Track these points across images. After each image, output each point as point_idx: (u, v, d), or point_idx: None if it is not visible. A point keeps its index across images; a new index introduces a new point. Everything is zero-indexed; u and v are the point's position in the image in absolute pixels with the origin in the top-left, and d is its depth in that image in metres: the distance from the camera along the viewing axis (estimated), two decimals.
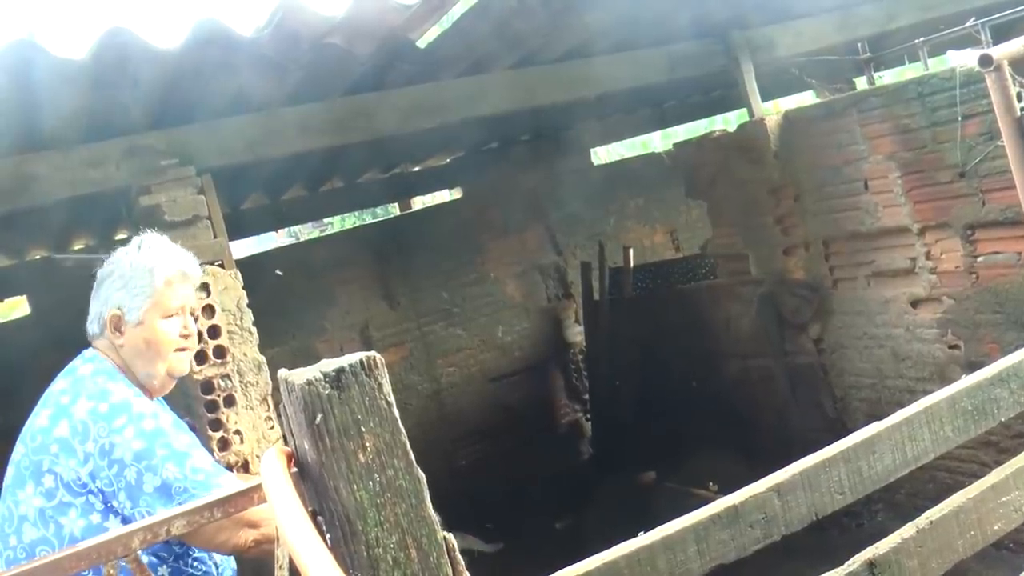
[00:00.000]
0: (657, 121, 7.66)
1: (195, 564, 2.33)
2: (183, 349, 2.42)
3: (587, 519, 5.79)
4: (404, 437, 1.52)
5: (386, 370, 1.53)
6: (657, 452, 6.14)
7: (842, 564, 2.05)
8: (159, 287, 2.37)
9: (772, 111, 5.02)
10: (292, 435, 1.55)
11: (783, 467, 2.02)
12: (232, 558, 2.49)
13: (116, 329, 2.39)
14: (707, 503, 1.95)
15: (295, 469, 1.53)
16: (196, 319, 3.05)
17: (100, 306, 2.42)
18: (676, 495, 5.81)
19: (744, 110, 4.95)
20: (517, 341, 7.08)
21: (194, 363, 3.23)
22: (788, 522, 2.00)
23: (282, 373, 1.53)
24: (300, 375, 1.49)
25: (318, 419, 1.45)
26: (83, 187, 3.38)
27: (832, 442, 2.12)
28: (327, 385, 1.47)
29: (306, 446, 1.49)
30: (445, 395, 6.56)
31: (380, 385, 1.51)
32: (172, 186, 3.44)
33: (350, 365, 1.49)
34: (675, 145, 5.86)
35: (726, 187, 5.25)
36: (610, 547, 1.80)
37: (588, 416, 7.17)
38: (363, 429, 1.49)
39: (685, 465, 5.91)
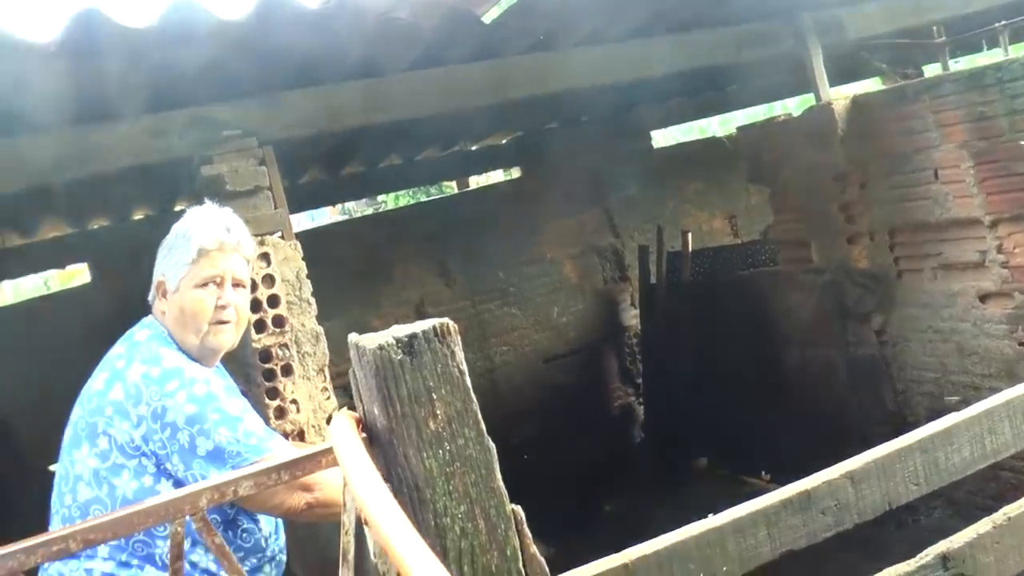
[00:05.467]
0: (718, 105, 7.54)
1: (244, 535, 2.32)
2: (221, 322, 2.38)
3: (637, 503, 5.76)
4: (475, 406, 1.49)
5: (459, 338, 1.50)
6: (710, 439, 6.09)
7: (896, 559, 1.99)
8: (193, 256, 2.35)
9: (839, 96, 4.88)
10: (361, 400, 1.53)
11: (839, 461, 1.97)
12: (282, 530, 2.49)
13: (162, 296, 2.41)
14: (759, 492, 1.90)
15: (363, 435, 1.51)
16: (253, 288, 3.06)
17: (154, 273, 2.44)
18: (727, 482, 5.76)
19: (806, 96, 4.84)
20: (572, 322, 7.04)
21: (253, 331, 3.25)
22: (861, 510, 1.94)
23: (353, 337, 1.51)
24: (372, 340, 1.47)
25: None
26: (146, 156, 3.40)
27: (892, 436, 2.07)
28: (399, 351, 1.45)
29: (376, 412, 1.47)
30: (498, 374, 6.55)
31: (453, 352, 1.48)
32: (234, 157, 3.44)
33: (423, 331, 1.47)
34: (739, 129, 5.75)
35: (790, 172, 5.14)
36: (659, 532, 1.76)
37: (641, 400, 7.11)
38: (434, 396, 1.46)
39: (738, 453, 5.86)
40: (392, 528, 1.12)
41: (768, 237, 5.78)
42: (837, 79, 6.65)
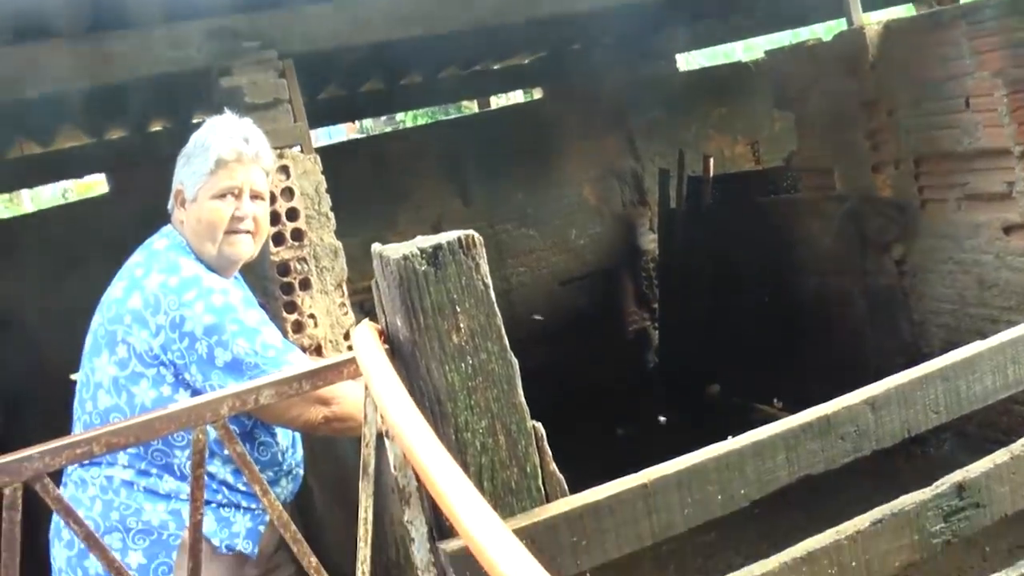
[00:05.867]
0: (746, 29, 7.38)
1: (261, 448, 2.33)
2: (236, 232, 2.36)
3: (649, 428, 5.79)
4: (499, 321, 1.47)
5: (484, 251, 1.48)
6: (724, 365, 6.08)
7: (905, 490, 1.99)
8: (211, 166, 2.32)
9: (871, 22, 4.76)
10: (384, 312, 1.51)
11: (854, 390, 1.95)
12: (299, 445, 2.50)
13: (181, 205, 2.39)
14: (771, 420, 1.89)
15: (386, 346, 1.50)
16: (272, 201, 3.03)
17: (172, 182, 2.42)
18: (740, 410, 5.77)
19: (833, 23, 4.72)
20: (589, 245, 6.99)
21: (271, 244, 3.23)
22: (880, 437, 1.93)
23: (376, 247, 1.49)
24: (396, 250, 1.45)
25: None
26: (164, 67, 3.34)
27: (907, 367, 2.04)
28: (424, 261, 1.43)
29: (398, 323, 1.45)
30: (514, 295, 6.52)
31: (478, 265, 1.46)
32: (253, 69, 3.38)
33: (448, 242, 1.44)
34: (767, 53, 5.64)
35: (817, 99, 5.05)
36: (671, 457, 1.76)
37: (656, 325, 7.10)
38: (458, 309, 1.44)
39: (751, 380, 5.86)
40: (416, 439, 1.12)
41: (791, 164, 5.68)
42: (868, 4, 6.49)
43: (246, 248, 2.40)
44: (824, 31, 8.69)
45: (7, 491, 1.40)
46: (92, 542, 1.52)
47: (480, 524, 0.96)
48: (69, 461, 1.47)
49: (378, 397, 1.28)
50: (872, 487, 3.41)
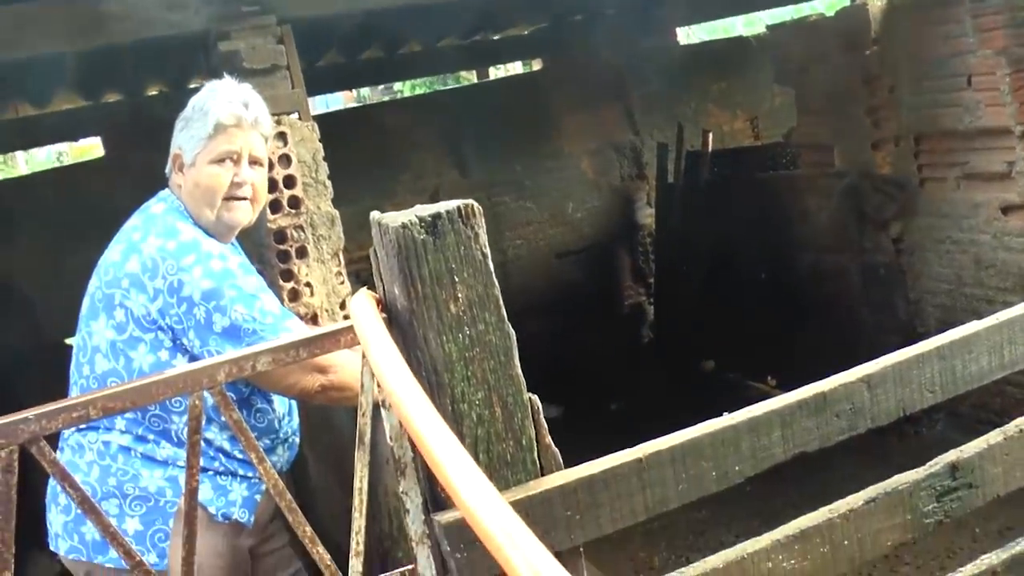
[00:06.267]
0: (747, 3, 7.34)
1: (257, 415, 2.33)
2: (234, 198, 2.34)
3: (643, 403, 5.80)
4: (497, 291, 1.47)
5: (483, 221, 1.47)
6: (718, 341, 6.10)
7: (897, 470, 1.99)
8: (210, 130, 2.30)
9: None
10: (382, 280, 1.51)
11: (848, 368, 1.95)
12: (296, 413, 2.50)
13: (179, 169, 2.37)
14: (764, 397, 1.89)
15: (384, 315, 1.49)
16: (270, 168, 3.01)
17: (171, 146, 2.40)
18: (733, 386, 5.80)
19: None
20: (587, 218, 6.98)
21: (268, 211, 3.21)
22: (875, 415, 1.93)
23: (375, 215, 1.48)
24: (395, 218, 1.44)
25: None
26: (160, 29, 3.29)
27: (902, 346, 2.04)
28: (422, 230, 1.42)
29: (396, 292, 1.45)
30: (510, 267, 6.52)
31: (477, 235, 1.45)
32: (251, 33, 3.35)
33: (447, 211, 1.43)
34: (768, 28, 5.62)
35: (817, 74, 5.03)
36: (664, 433, 1.76)
37: (651, 300, 7.11)
38: (456, 279, 1.44)
39: (746, 357, 5.87)
40: (414, 408, 1.11)
41: (790, 140, 5.67)
42: None
43: (244, 214, 2.38)
44: (826, 7, 8.66)
45: (2, 453, 1.40)
46: (88, 507, 1.52)
47: (476, 495, 0.96)
48: (65, 424, 1.46)
49: (376, 366, 1.27)
50: (864, 465, 3.42)
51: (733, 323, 5.84)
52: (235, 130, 2.32)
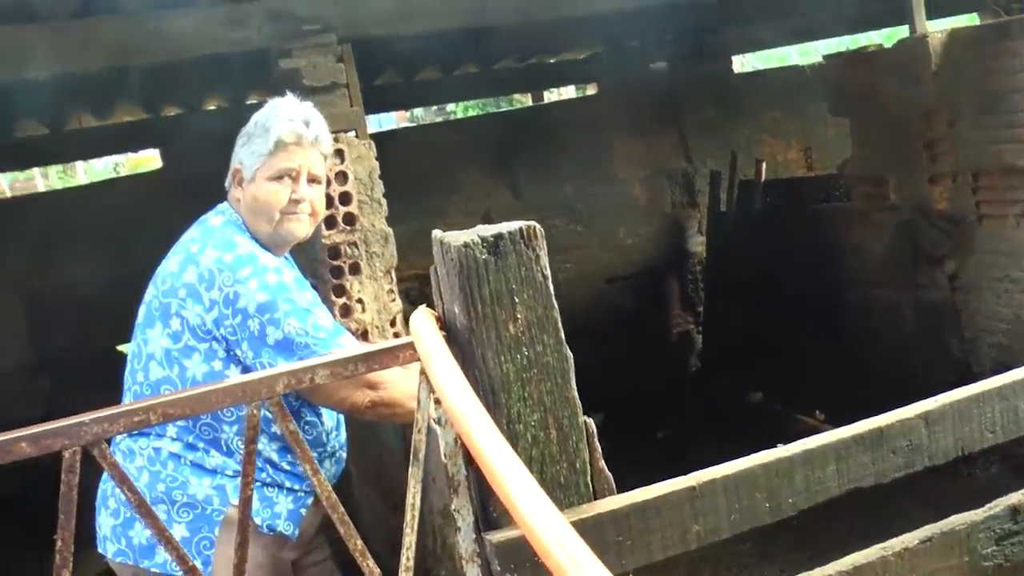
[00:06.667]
0: (804, 33, 7.31)
1: (306, 428, 2.35)
2: (292, 214, 2.36)
3: (689, 432, 5.75)
4: (556, 313, 1.47)
5: (545, 243, 1.47)
6: (767, 373, 6.03)
7: (949, 512, 1.96)
8: (271, 147, 2.33)
9: (935, 30, 4.68)
10: (441, 299, 1.52)
11: (899, 406, 1.92)
12: (343, 427, 2.51)
13: (238, 184, 2.40)
14: (812, 432, 1.87)
15: (443, 333, 1.50)
16: (327, 184, 3.05)
17: (232, 160, 2.44)
18: (781, 418, 5.72)
19: (892, 30, 4.65)
20: (637, 244, 6.96)
21: (323, 227, 3.25)
22: (932, 454, 1.91)
23: (437, 233, 1.49)
24: (457, 237, 1.45)
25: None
26: (222, 46, 3.36)
27: (955, 386, 2.01)
28: (484, 250, 1.43)
29: (456, 311, 1.46)
30: (560, 291, 6.37)
31: (538, 257, 1.46)
32: (312, 52, 3.41)
33: (509, 232, 1.44)
34: (825, 57, 5.56)
35: (874, 106, 4.97)
36: (709, 464, 1.74)
37: (700, 329, 7.07)
38: (516, 300, 1.44)
39: (794, 390, 5.80)
40: (477, 426, 1.11)
41: (844, 171, 5.61)
42: (932, 11, 6.39)
43: (301, 228, 2.41)
44: (883, 37, 8.59)
45: (66, 454, 1.42)
46: (144, 510, 1.55)
47: (540, 515, 0.95)
48: (126, 428, 1.49)
49: (437, 383, 1.28)
50: (915, 504, 3.36)
51: (782, 355, 5.78)
52: (295, 148, 2.35)
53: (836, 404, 5.03)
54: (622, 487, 1.67)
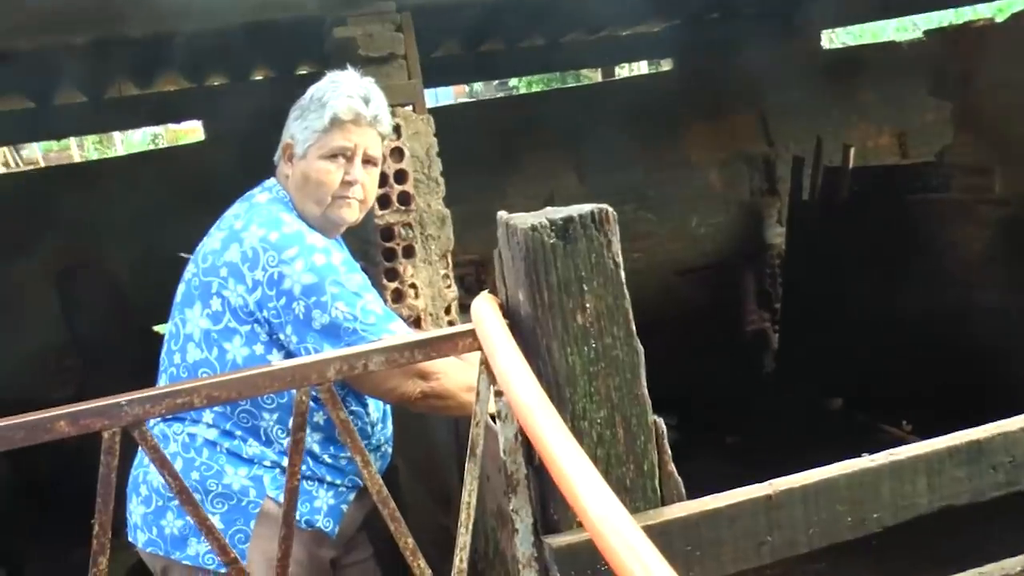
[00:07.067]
0: (902, 5, 7.17)
1: (350, 418, 2.37)
2: (343, 198, 2.37)
3: (761, 438, 5.70)
4: (627, 303, 1.47)
5: (617, 228, 1.47)
6: (848, 378, 5.96)
7: None
8: (326, 123, 2.33)
9: None
10: (505, 285, 1.53)
11: (997, 419, 1.88)
12: (390, 421, 2.53)
13: (288, 159, 2.42)
14: (899, 444, 1.84)
15: (506, 321, 1.51)
16: (382, 163, 3.07)
17: (283, 134, 2.45)
18: (864, 428, 5.65)
19: (1006, 1, 4.54)
20: (711, 234, 6.93)
21: (377, 207, 3.26)
22: None
23: (503, 215, 1.50)
24: (524, 220, 1.46)
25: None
26: (274, 12, 3.38)
27: None
28: (553, 234, 1.43)
29: (520, 298, 1.46)
30: (627, 282, 6.47)
31: (609, 243, 1.46)
32: (369, 20, 3.41)
33: (579, 216, 1.45)
34: (926, 32, 5.48)
35: (981, 87, 4.88)
36: (785, 473, 1.72)
37: (777, 327, 7.01)
38: (585, 288, 1.45)
39: (879, 397, 5.72)
40: (544, 420, 1.12)
41: (943, 160, 5.52)
42: None
43: (351, 214, 2.41)
44: (994, 10, 8.40)
45: (105, 435, 1.46)
46: (185, 497, 1.58)
47: (610, 517, 0.96)
48: (169, 410, 1.52)
49: (501, 373, 1.29)
50: (1012, 528, 3.29)
51: (866, 359, 5.70)
52: (352, 126, 2.36)
53: (925, 415, 4.94)
54: (690, 493, 1.67)
